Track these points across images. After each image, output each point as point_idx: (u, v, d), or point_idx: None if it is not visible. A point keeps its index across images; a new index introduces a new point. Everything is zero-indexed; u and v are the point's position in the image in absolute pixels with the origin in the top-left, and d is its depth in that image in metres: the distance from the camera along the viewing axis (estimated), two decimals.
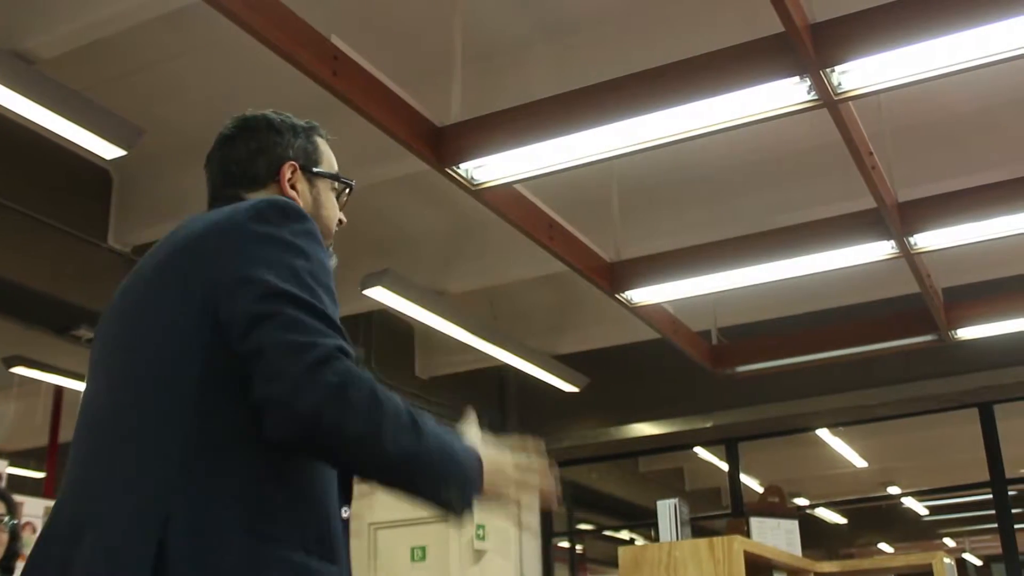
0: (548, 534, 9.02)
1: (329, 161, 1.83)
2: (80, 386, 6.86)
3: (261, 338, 1.39)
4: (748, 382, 7.11)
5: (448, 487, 1.48)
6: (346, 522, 1.58)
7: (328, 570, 1.46)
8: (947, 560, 4.26)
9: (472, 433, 1.64)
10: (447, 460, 1.49)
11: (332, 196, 1.82)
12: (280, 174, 1.74)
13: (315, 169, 1.79)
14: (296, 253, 1.49)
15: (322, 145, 1.83)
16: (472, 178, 4.05)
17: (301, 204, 1.71)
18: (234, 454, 1.41)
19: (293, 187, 1.74)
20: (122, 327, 1.57)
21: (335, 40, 3.46)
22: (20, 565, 5.56)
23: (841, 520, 13.36)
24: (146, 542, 1.33)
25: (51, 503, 5.80)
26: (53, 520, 1.48)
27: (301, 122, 1.82)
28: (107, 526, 1.38)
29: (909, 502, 13.14)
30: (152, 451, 1.41)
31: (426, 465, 1.46)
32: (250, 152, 1.75)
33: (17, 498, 4.78)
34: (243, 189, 1.72)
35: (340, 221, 1.84)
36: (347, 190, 1.85)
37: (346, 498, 1.59)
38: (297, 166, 1.76)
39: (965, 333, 6.01)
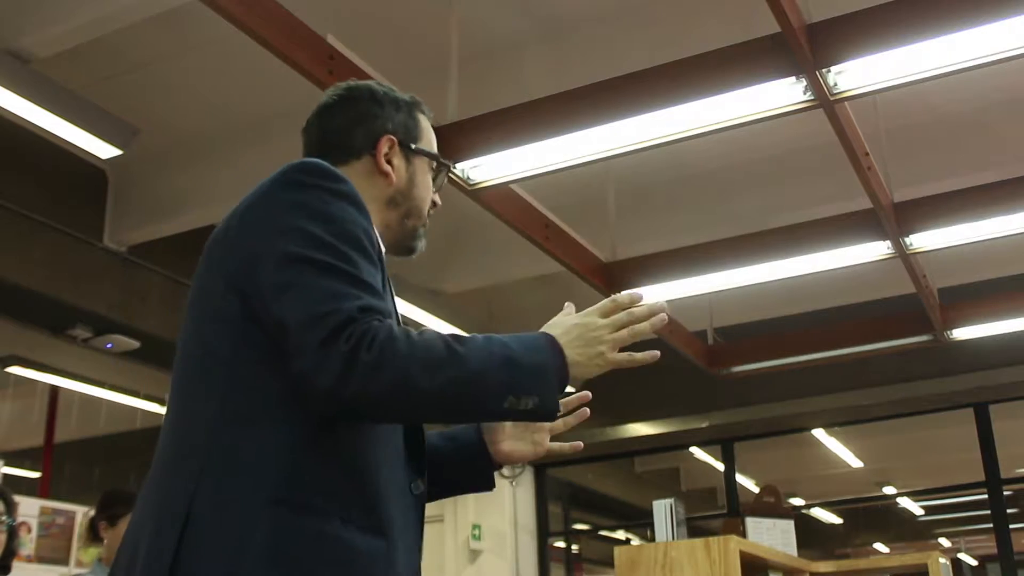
0: (544, 534, 9.01)
1: (429, 140, 1.77)
2: (76, 385, 6.87)
3: (282, 311, 1.37)
4: (744, 382, 7.11)
5: (519, 393, 1.41)
6: (418, 497, 1.55)
7: (370, 544, 1.40)
8: (942, 560, 4.26)
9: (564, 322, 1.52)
10: (505, 368, 1.40)
11: (428, 176, 1.76)
12: (377, 147, 1.69)
13: (414, 146, 1.73)
14: (320, 216, 1.44)
15: (423, 122, 1.77)
16: (468, 178, 4.04)
17: (395, 180, 1.69)
18: (267, 424, 1.39)
19: (389, 162, 1.69)
20: (188, 311, 1.57)
21: (331, 40, 3.46)
22: (17, 564, 5.54)
23: (837, 520, 13.36)
24: (173, 518, 1.34)
25: (46, 503, 5.75)
26: None
27: (404, 96, 1.77)
28: (150, 506, 1.41)
29: (905, 502, 13.15)
30: (188, 428, 1.42)
31: (479, 385, 1.39)
32: (349, 121, 1.70)
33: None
34: (338, 160, 1.66)
35: (434, 203, 1.79)
36: (444, 170, 1.80)
37: (418, 470, 1.56)
38: (395, 141, 1.70)
39: (961, 333, 6.02)
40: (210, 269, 1.51)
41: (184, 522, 1.33)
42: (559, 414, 1.49)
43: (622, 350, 1.51)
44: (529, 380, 1.41)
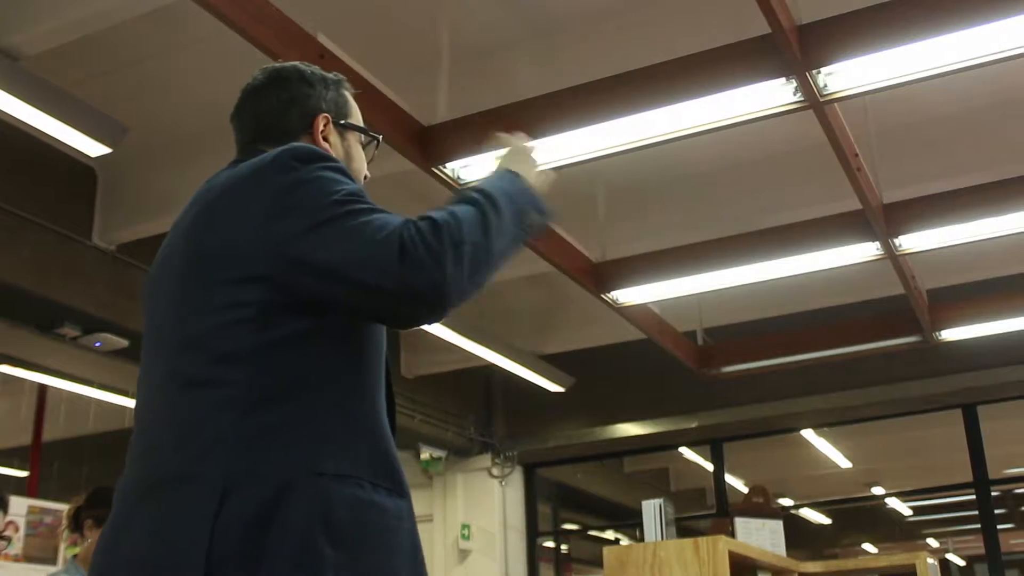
0: (533, 534, 9.01)
1: (356, 115, 1.83)
2: (65, 384, 6.84)
3: (344, 267, 1.41)
4: (733, 383, 7.13)
5: (527, 222, 1.64)
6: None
7: (396, 505, 1.48)
8: (930, 560, 4.28)
9: (501, 158, 1.80)
10: (517, 207, 1.61)
11: (360, 149, 1.83)
12: (313, 126, 1.74)
13: (345, 121, 1.79)
14: (328, 182, 1.49)
15: (350, 98, 1.83)
16: (458, 178, 4.05)
17: (333, 156, 1.70)
18: (295, 404, 1.43)
19: (326, 139, 1.74)
20: (165, 301, 1.56)
21: (321, 38, 3.45)
22: (5, 563, 5.53)
23: (825, 520, 13.39)
24: (209, 497, 1.34)
25: (34, 502, 5.72)
26: (117, 497, 1.50)
27: (330, 75, 1.82)
28: (169, 486, 1.40)
29: (893, 503, 13.18)
30: (199, 419, 1.42)
31: (509, 228, 1.57)
32: (282, 103, 1.74)
33: None
34: (274, 142, 1.68)
35: (365, 176, 1.85)
36: (374, 143, 1.86)
37: (392, 430, 1.61)
38: (330, 118, 1.75)
39: (949, 334, 6.04)
40: (202, 261, 1.51)
41: (217, 510, 1.33)
42: None
43: None
44: (533, 211, 1.66)
